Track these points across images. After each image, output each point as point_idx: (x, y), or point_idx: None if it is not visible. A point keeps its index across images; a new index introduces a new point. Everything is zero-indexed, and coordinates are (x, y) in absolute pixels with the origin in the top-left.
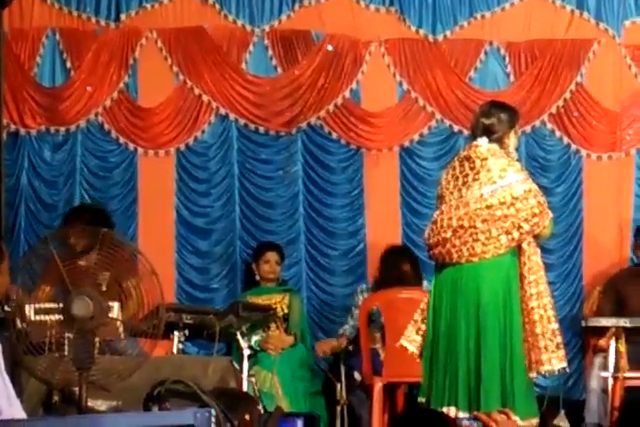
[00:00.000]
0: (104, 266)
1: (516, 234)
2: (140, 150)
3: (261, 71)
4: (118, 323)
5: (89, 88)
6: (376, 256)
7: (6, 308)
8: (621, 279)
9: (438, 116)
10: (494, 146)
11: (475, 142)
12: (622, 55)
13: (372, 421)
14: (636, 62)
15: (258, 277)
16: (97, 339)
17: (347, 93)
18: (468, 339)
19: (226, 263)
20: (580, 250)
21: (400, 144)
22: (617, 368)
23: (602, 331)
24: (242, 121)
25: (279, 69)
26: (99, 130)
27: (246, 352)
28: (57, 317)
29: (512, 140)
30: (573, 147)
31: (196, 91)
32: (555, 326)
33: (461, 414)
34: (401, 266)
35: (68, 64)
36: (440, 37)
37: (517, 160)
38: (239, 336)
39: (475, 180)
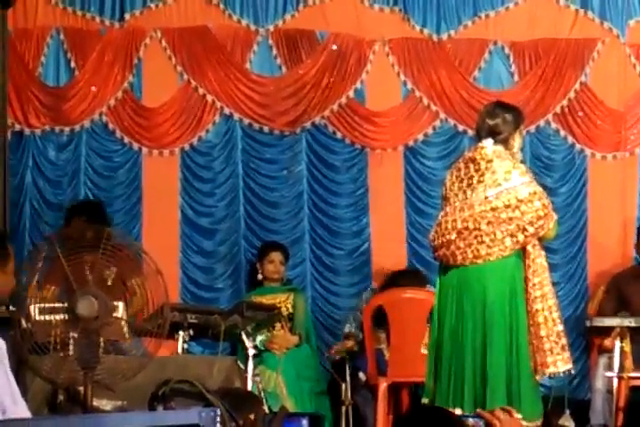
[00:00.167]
0: (108, 264)
1: (520, 237)
2: (145, 150)
3: (266, 71)
4: (123, 323)
5: (93, 88)
6: (381, 256)
7: (11, 307)
8: (625, 278)
9: (443, 115)
10: (499, 147)
11: (480, 144)
12: (627, 54)
13: (377, 421)
14: None
15: (262, 277)
16: (102, 339)
17: (351, 93)
18: (475, 339)
19: (230, 263)
20: (585, 250)
21: (404, 144)
22: (622, 368)
23: (606, 331)
24: (246, 120)
25: (283, 69)
26: (103, 130)
27: (251, 352)
28: (62, 316)
29: (517, 141)
30: (578, 146)
31: (201, 90)
32: (559, 328)
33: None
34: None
35: (73, 64)
36: (444, 37)
37: (522, 162)
38: (244, 336)
39: (479, 182)
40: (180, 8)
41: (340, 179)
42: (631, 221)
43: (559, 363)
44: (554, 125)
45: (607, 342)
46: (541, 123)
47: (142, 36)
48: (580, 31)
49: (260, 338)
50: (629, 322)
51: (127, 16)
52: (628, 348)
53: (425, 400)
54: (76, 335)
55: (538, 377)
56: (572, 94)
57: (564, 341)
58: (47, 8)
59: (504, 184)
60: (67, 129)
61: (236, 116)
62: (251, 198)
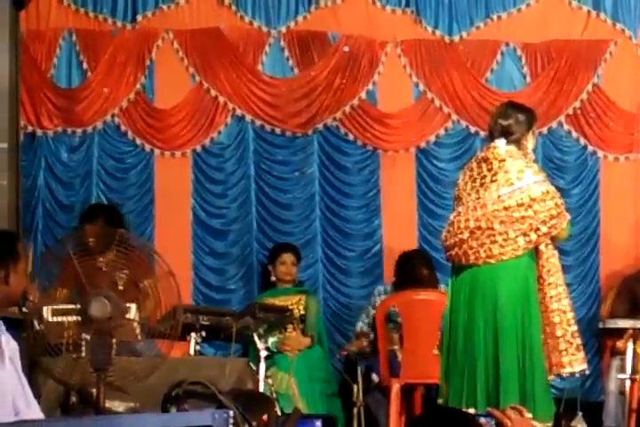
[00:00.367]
0: (121, 266)
1: (533, 236)
2: (157, 151)
3: (277, 72)
4: (135, 324)
5: (105, 89)
6: (392, 257)
7: (24, 309)
8: (637, 280)
9: (454, 117)
10: (512, 147)
11: (492, 144)
12: (639, 56)
13: (389, 423)
14: None
15: (274, 279)
16: (114, 340)
17: (363, 94)
18: (486, 341)
19: (242, 264)
20: (597, 251)
21: (416, 145)
22: (635, 370)
23: (619, 333)
24: (258, 122)
25: (295, 70)
26: (115, 131)
27: (263, 354)
28: (74, 318)
29: (530, 142)
30: (590, 148)
31: (213, 92)
32: (574, 328)
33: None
34: (418, 269)
35: (85, 65)
36: (456, 38)
37: (534, 161)
38: (256, 338)
39: (492, 181)
40: (192, 9)
41: (351, 180)
42: None
43: (574, 363)
44: (566, 127)
45: (620, 344)
46: (554, 124)
47: (154, 37)
48: (592, 32)
49: (272, 340)
50: None
51: (139, 17)
52: None
53: (440, 401)
54: (88, 337)
55: (552, 377)
56: (584, 96)
57: (578, 341)
58: (60, 9)
59: (517, 183)
60: (79, 131)
61: (248, 117)
62: (262, 200)
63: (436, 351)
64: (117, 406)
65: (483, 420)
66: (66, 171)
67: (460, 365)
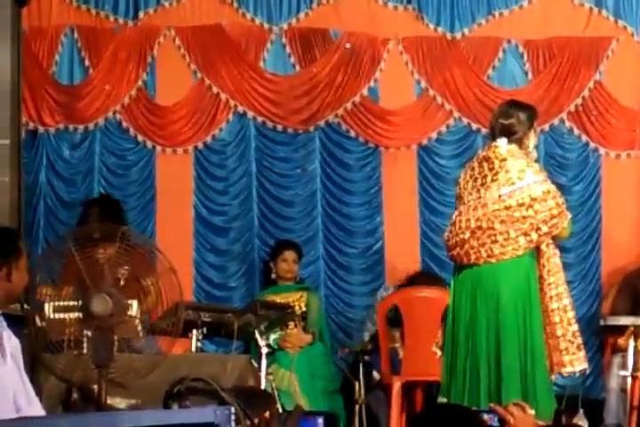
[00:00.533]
0: (122, 262)
1: (534, 236)
2: (158, 148)
3: (279, 69)
4: (137, 321)
5: (107, 86)
6: (394, 254)
7: (26, 306)
8: (638, 277)
9: (456, 114)
10: (513, 147)
11: (494, 143)
12: None
13: (391, 420)
14: None
15: (275, 276)
16: (116, 337)
17: (365, 91)
18: (489, 339)
19: (244, 261)
20: (599, 249)
21: (418, 142)
22: (636, 367)
23: (620, 330)
24: (260, 119)
25: (297, 67)
26: (117, 128)
27: (264, 350)
28: (76, 314)
29: (532, 140)
30: (592, 145)
31: (214, 89)
32: (575, 327)
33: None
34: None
35: (87, 62)
36: (458, 35)
37: (536, 161)
38: (257, 335)
39: (493, 180)
40: (193, 6)
41: (353, 177)
42: None
43: (575, 362)
44: (568, 124)
45: (621, 341)
46: (555, 121)
47: (156, 34)
48: (594, 29)
49: (273, 337)
50: None
51: (141, 14)
52: None
53: (442, 400)
54: (90, 334)
55: (553, 376)
56: (586, 93)
57: (579, 340)
58: (61, 6)
59: (518, 183)
60: (81, 127)
61: (250, 114)
62: (264, 197)
63: (434, 349)
64: (119, 402)
65: (485, 416)
66: (67, 167)
67: (463, 363)
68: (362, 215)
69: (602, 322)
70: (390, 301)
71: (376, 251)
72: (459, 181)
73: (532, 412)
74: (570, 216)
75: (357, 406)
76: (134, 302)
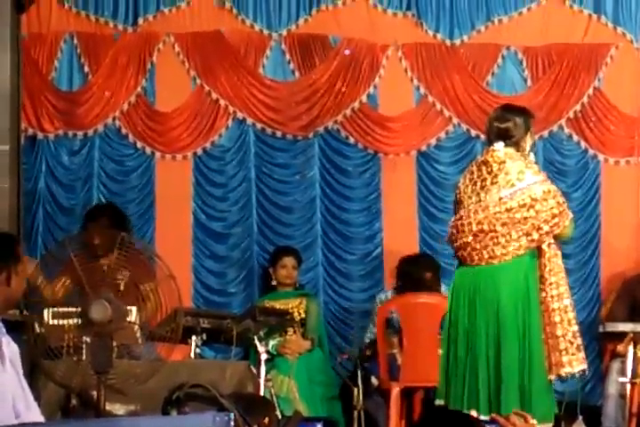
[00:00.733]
0: (122, 268)
1: (535, 235)
2: (158, 154)
3: (278, 75)
4: (136, 327)
5: (107, 92)
6: (393, 261)
7: (25, 312)
8: (637, 283)
9: (455, 120)
10: (511, 149)
11: (491, 147)
12: None
13: (389, 426)
14: None
15: (275, 282)
16: (115, 343)
17: (364, 98)
18: (488, 341)
19: (243, 268)
20: (598, 255)
21: (417, 148)
22: (635, 374)
23: (620, 336)
24: (259, 125)
25: (296, 74)
26: (116, 134)
27: (263, 357)
28: (75, 320)
29: (528, 143)
30: (591, 151)
31: (214, 95)
32: (575, 328)
33: (482, 418)
34: (421, 273)
35: (86, 68)
36: (457, 42)
37: (535, 162)
38: (256, 341)
39: (493, 183)
40: (193, 13)
41: (352, 184)
42: None
43: (574, 363)
44: (567, 131)
45: (620, 348)
46: (554, 128)
47: (155, 40)
48: (593, 36)
49: (272, 343)
50: None
51: (140, 21)
52: None
53: (439, 402)
54: (89, 340)
55: (552, 377)
56: (585, 99)
57: (578, 341)
58: (61, 13)
59: (518, 184)
60: (80, 133)
61: (249, 120)
62: (263, 203)
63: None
64: (118, 409)
65: None
66: (67, 174)
67: (462, 365)
68: (361, 221)
69: (601, 328)
70: (389, 307)
71: (375, 257)
72: (458, 186)
73: (534, 422)
74: (571, 216)
75: (356, 412)
76: (133, 309)
